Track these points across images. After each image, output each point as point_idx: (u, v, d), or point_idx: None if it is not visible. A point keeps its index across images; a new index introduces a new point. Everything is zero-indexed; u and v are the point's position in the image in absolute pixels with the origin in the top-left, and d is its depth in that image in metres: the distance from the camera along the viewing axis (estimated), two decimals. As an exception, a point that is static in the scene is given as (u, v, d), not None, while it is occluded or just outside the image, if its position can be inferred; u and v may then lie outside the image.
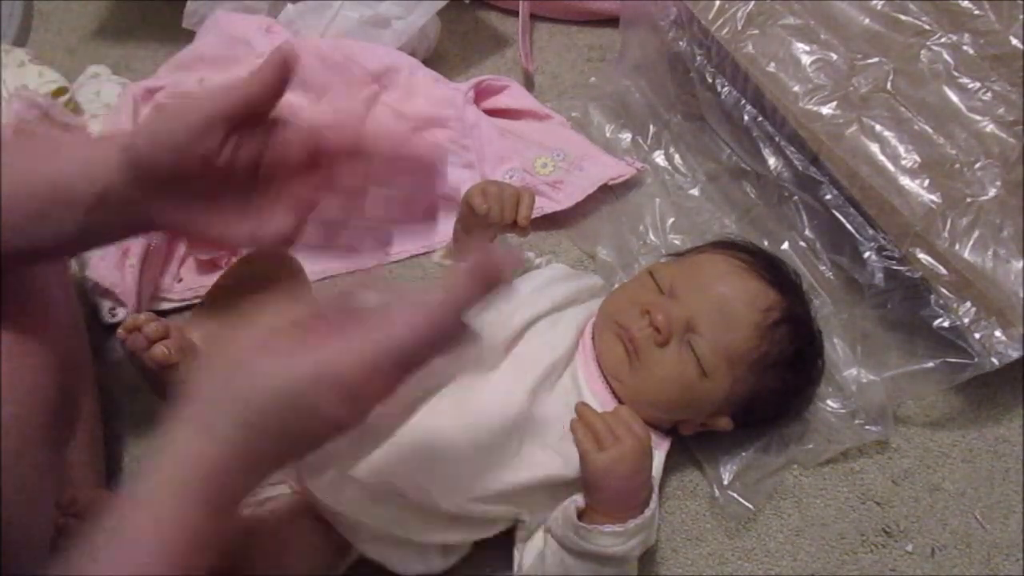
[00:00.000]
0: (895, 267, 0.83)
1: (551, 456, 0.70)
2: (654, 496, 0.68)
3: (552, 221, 1.00)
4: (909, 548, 0.79)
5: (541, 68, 1.16)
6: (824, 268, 0.90)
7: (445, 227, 0.93)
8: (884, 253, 0.84)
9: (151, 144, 0.51)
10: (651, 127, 1.06)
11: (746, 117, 0.93)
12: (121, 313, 0.90)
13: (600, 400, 0.74)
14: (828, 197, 0.87)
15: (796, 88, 0.88)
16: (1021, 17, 0.86)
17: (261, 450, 0.47)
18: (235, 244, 0.60)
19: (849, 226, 0.86)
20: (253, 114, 0.53)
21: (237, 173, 0.53)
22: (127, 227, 0.56)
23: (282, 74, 0.52)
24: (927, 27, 0.88)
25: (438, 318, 0.48)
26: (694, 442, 0.82)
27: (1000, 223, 0.80)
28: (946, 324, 0.80)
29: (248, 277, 0.76)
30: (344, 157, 0.56)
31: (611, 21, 1.18)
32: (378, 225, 0.59)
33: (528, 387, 0.71)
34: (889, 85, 0.87)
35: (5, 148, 0.53)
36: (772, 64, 0.90)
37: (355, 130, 0.56)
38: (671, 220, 0.99)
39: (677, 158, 1.04)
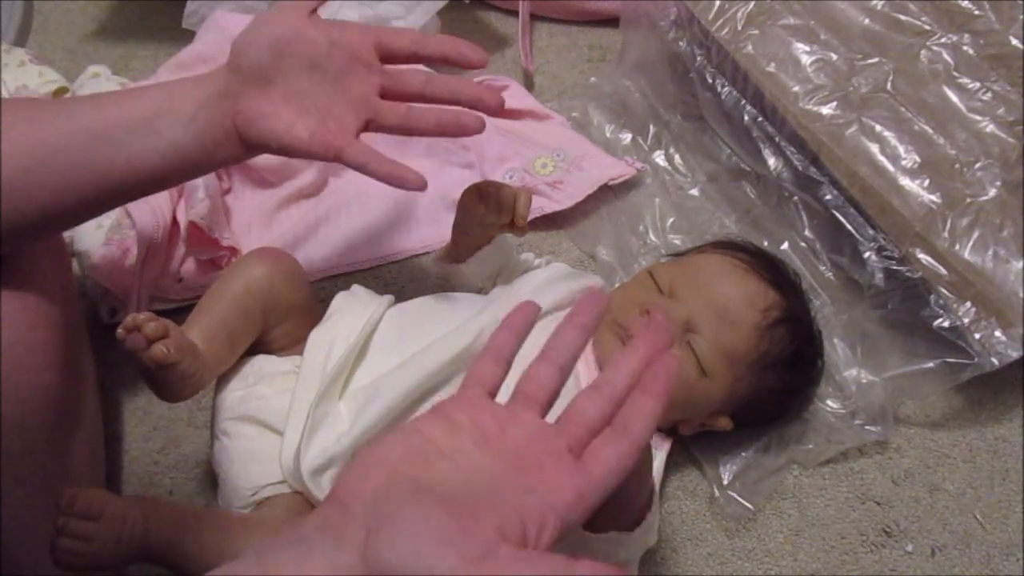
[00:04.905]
0: (895, 267, 0.83)
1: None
2: (655, 499, 0.68)
3: (552, 221, 1.00)
4: (909, 548, 0.79)
5: (541, 68, 1.16)
6: (824, 268, 0.90)
7: (444, 227, 0.93)
8: (884, 253, 0.84)
9: (249, 38, 0.62)
10: (651, 127, 1.06)
11: (746, 117, 0.93)
12: (121, 313, 0.91)
13: (600, 400, 0.74)
14: (828, 197, 0.87)
15: (796, 88, 0.88)
16: (1021, 17, 0.86)
17: None
18: (296, 144, 0.64)
19: (849, 226, 0.86)
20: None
21: (310, 71, 0.62)
22: (222, 128, 0.62)
23: None
24: (927, 27, 0.88)
25: None
26: (694, 442, 0.82)
27: (1000, 223, 0.80)
28: (946, 324, 0.80)
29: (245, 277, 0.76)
30: (402, 60, 0.66)
31: (611, 21, 1.18)
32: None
33: (529, 387, 0.71)
34: (889, 85, 0.87)
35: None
36: (772, 64, 0.90)
37: (413, 35, 0.65)
38: (671, 220, 0.99)
39: (677, 158, 1.04)
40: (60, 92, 1.03)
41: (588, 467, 0.44)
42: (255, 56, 0.62)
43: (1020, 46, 0.85)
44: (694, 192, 1.01)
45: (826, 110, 0.87)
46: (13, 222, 0.60)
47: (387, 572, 0.38)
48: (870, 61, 0.88)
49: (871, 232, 0.85)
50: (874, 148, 0.84)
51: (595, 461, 0.44)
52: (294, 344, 0.77)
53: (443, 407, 0.46)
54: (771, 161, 0.92)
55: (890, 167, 0.83)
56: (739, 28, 0.93)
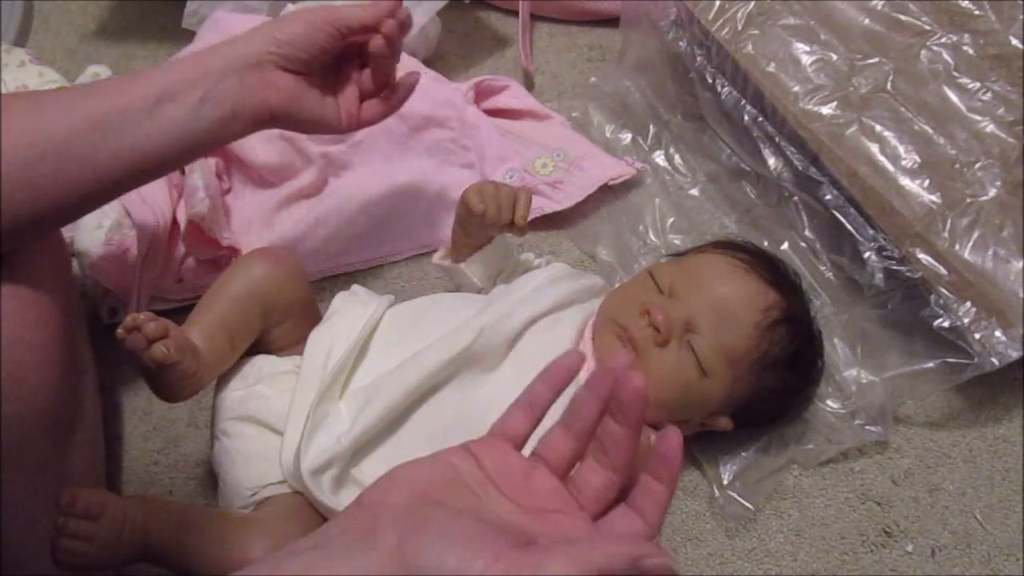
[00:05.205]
0: (895, 267, 0.83)
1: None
2: None
3: (552, 221, 1.00)
4: (909, 548, 0.79)
5: (541, 68, 1.16)
6: (824, 268, 0.90)
7: (444, 227, 0.93)
8: (884, 253, 0.84)
9: (297, 25, 0.68)
10: (651, 127, 1.06)
11: (746, 117, 0.93)
12: (121, 313, 0.91)
13: (600, 400, 0.74)
14: (828, 197, 0.87)
15: (796, 88, 0.88)
16: (1021, 17, 0.86)
17: None
18: (331, 122, 0.73)
19: (849, 226, 0.86)
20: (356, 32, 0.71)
21: (331, 63, 0.72)
22: (249, 101, 0.67)
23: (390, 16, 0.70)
24: (927, 27, 0.88)
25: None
26: (694, 442, 0.82)
27: (1000, 223, 0.80)
28: (946, 324, 0.80)
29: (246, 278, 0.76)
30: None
31: (611, 21, 1.18)
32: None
33: (529, 387, 0.71)
34: (889, 85, 0.87)
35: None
36: (772, 64, 0.90)
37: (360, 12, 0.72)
38: (671, 220, 0.99)
39: (677, 158, 1.04)
40: (60, 92, 1.03)
41: (603, 532, 0.45)
42: (308, 49, 0.69)
43: (1020, 46, 0.85)
44: (694, 192, 1.01)
45: (826, 110, 0.87)
46: (15, 217, 0.60)
47: (423, 573, 0.39)
48: (870, 61, 0.88)
49: (871, 232, 0.85)
50: (874, 148, 0.84)
51: (610, 529, 0.45)
52: (294, 344, 0.77)
53: (472, 447, 0.47)
54: (771, 161, 0.92)
55: (890, 167, 0.83)
56: (739, 28, 0.93)
